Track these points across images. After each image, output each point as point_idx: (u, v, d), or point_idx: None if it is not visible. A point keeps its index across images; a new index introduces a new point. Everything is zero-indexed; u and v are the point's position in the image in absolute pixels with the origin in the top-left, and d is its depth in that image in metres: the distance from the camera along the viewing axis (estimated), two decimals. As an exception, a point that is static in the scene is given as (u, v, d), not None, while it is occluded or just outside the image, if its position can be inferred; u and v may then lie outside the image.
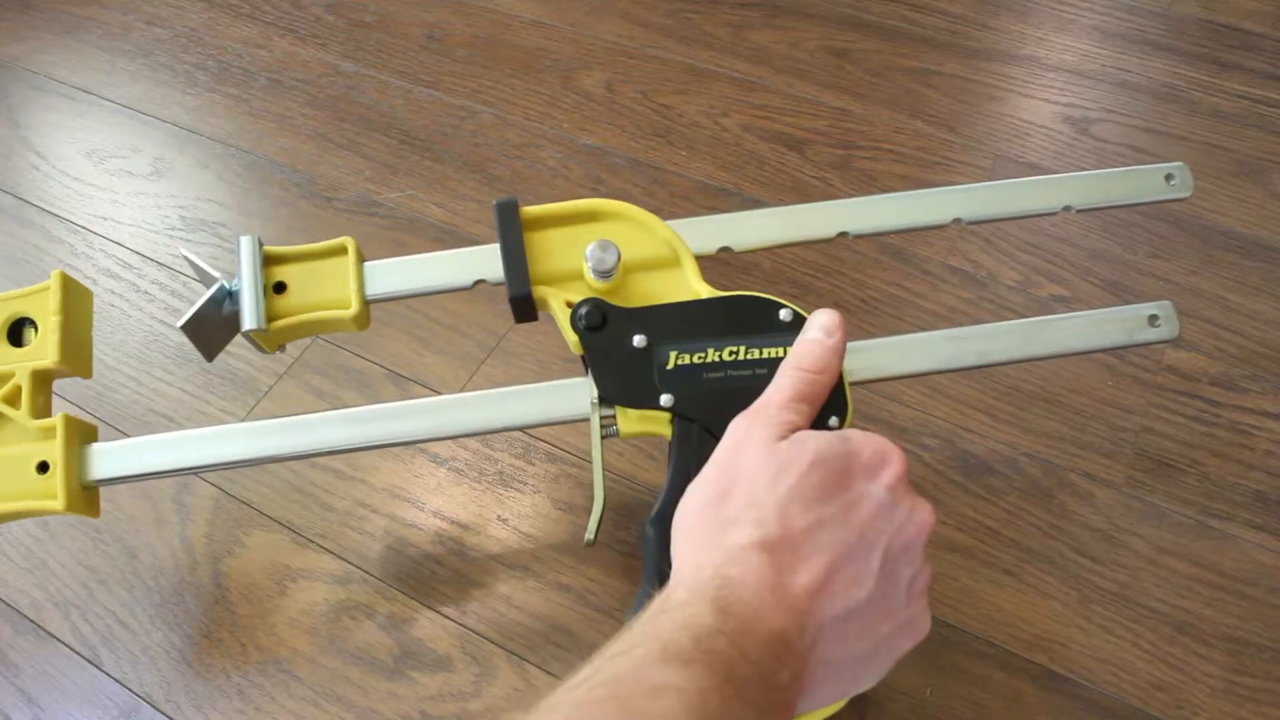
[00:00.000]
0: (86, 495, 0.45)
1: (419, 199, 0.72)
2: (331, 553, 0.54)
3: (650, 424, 0.42)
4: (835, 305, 0.65)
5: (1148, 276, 0.65)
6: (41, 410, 0.46)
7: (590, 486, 0.56)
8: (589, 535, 0.41)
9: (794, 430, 0.36)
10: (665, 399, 0.41)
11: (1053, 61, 0.81)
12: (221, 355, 0.64)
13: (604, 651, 0.30)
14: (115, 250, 0.70)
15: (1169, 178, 0.49)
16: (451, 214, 0.71)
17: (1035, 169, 0.73)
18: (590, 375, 0.42)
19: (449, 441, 0.59)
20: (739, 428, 0.37)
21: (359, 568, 0.54)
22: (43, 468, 0.44)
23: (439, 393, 0.60)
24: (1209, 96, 0.77)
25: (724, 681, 0.28)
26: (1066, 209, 0.48)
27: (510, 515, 0.56)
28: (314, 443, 0.45)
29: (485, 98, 0.79)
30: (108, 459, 0.45)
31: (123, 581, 0.54)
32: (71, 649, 0.52)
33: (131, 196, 0.74)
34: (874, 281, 0.66)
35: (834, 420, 0.40)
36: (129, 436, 0.46)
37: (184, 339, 0.65)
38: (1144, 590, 0.52)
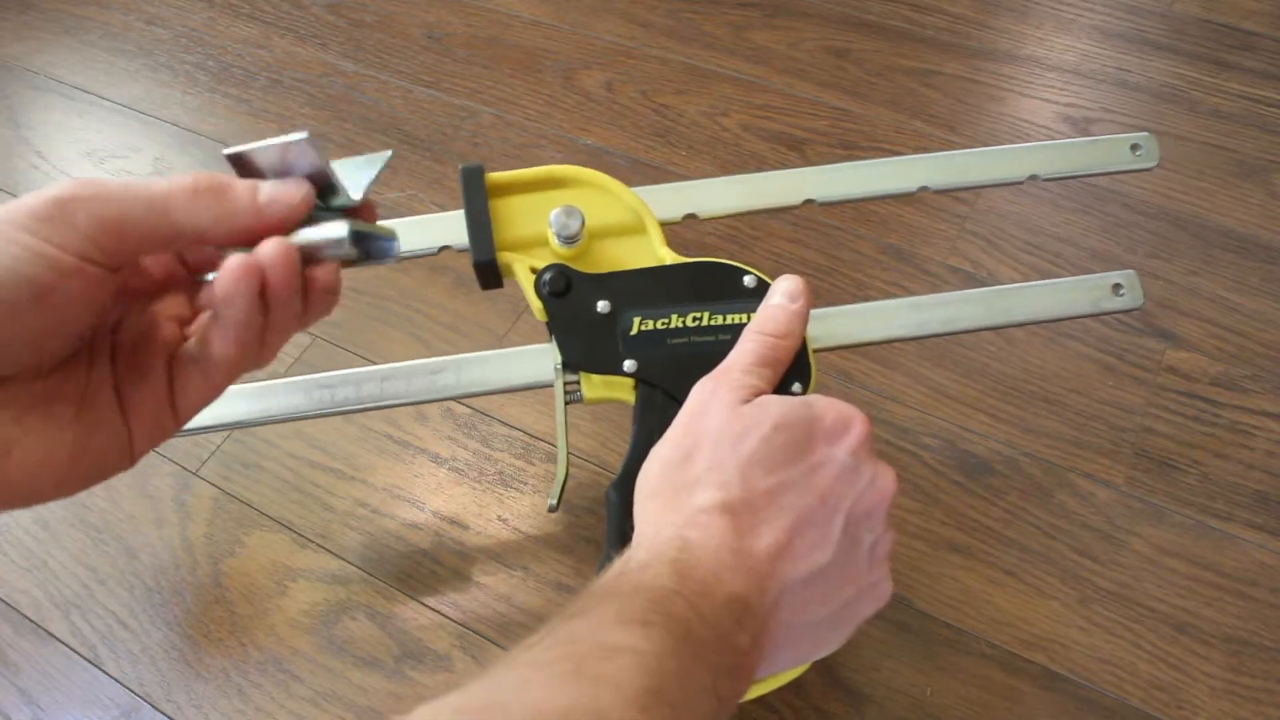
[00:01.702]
0: None
1: (419, 199, 0.72)
2: (331, 553, 0.54)
3: (614, 390, 0.42)
4: (835, 305, 0.65)
5: (1147, 276, 0.65)
6: None
7: (593, 486, 0.56)
8: (551, 501, 0.41)
9: (757, 394, 0.36)
10: (629, 365, 0.41)
11: (1053, 61, 0.81)
12: (221, 355, 0.64)
13: (562, 612, 0.30)
14: (115, 250, 0.70)
15: (1135, 148, 0.49)
16: (451, 214, 0.71)
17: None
18: (554, 341, 0.42)
19: (449, 441, 0.59)
20: (703, 391, 0.37)
21: (359, 568, 0.54)
22: None
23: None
24: (1209, 96, 0.77)
25: (680, 643, 0.28)
26: (1033, 178, 0.48)
27: (510, 515, 0.56)
28: (274, 409, 0.45)
29: (485, 98, 0.79)
30: None
31: (123, 581, 0.54)
32: (71, 649, 0.52)
33: (131, 196, 0.74)
34: (874, 281, 0.66)
35: (797, 386, 0.40)
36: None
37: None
38: (1144, 590, 0.52)
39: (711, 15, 0.86)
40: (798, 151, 0.74)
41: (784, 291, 0.39)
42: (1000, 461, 0.57)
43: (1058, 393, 0.60)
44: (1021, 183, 0.48)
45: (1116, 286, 0.48)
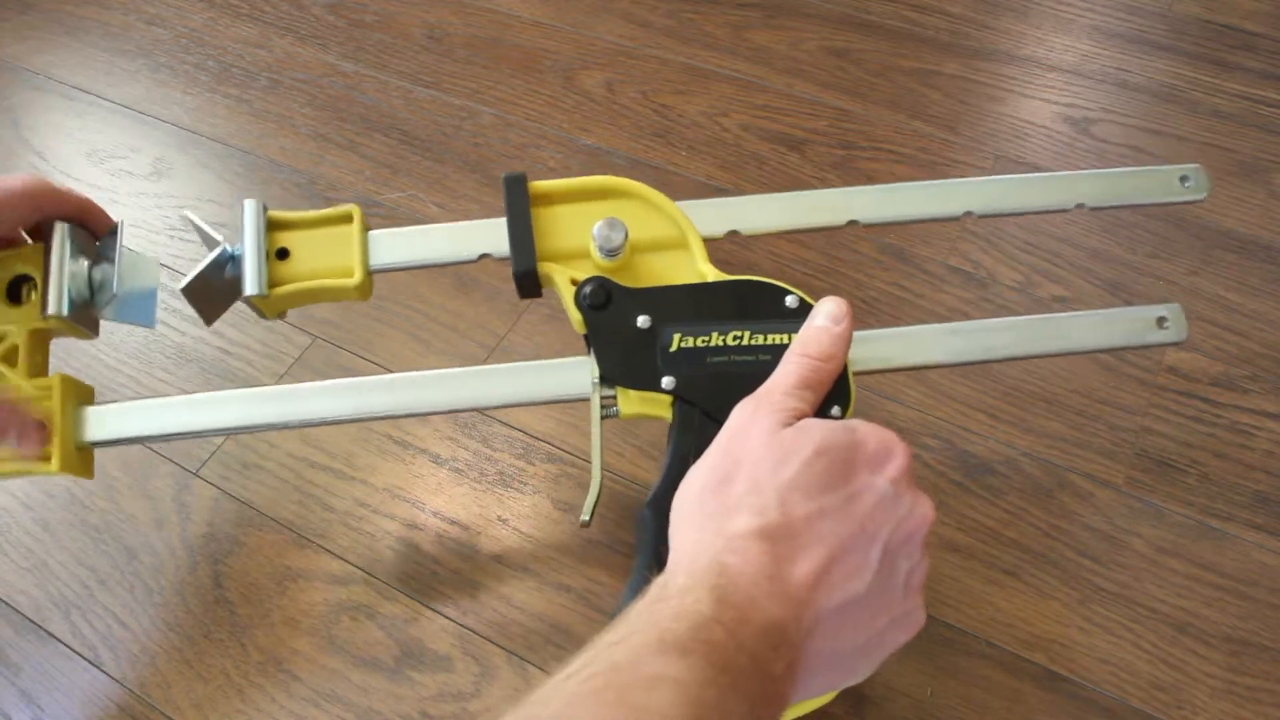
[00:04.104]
0: (81, 457, 0.45)
1: (419, 199, 0.72)
2: (331, 553, 0.54)
3: (651, 406, 0.41)
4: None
5: (1148, 276, 0.65)
6: (39, 369, 0.45)
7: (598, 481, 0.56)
8: (584, 515, 0.41)
9: (799, 417, 0.36)
10: (667, 381, 0.40)
11: (1053, 61, 0.81)
12: (222, 355, 0.64)
13: (599, 640, 0.30)
14: (115, 250, 0.70)
15: (1184, 179, 0.48)
16: (452, 214, 0.71)
17: (1035, 169, 0.73)
18: (592, 354, 0.42)
19: (449, 442, 0.59)
20: (743, 413, 0.37)
21: (359, 568, 0.54)
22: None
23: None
24: (1209, 96, 0.77)
25: (720, 672, 0.28)
26: (1080, 206, 0.48)
27: (510, 515, 0.56)
28: (308, 412, 0.44)
29: (485, 98, 0.79)
30: (103, 421, 0.45)
31: (123, 581, 0.54)
32: (71, 649, 0.52)
33: (131, 196, 0.74)
34: (874, 282, 0.66)
35: (836, 410, 0.39)
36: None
37: (184, 338, 0.65)
38: (1144, 590, 0.52)
39: (711, 15, 0.86)
40: (798, 152, 0.74)
41: (827, 313, 0.39)
42: (1000, 461, 0.57)
43: (1058, 393, 0.60)
44: (1068, 211, 0.48)
45: (1161, 319, 0.47)
